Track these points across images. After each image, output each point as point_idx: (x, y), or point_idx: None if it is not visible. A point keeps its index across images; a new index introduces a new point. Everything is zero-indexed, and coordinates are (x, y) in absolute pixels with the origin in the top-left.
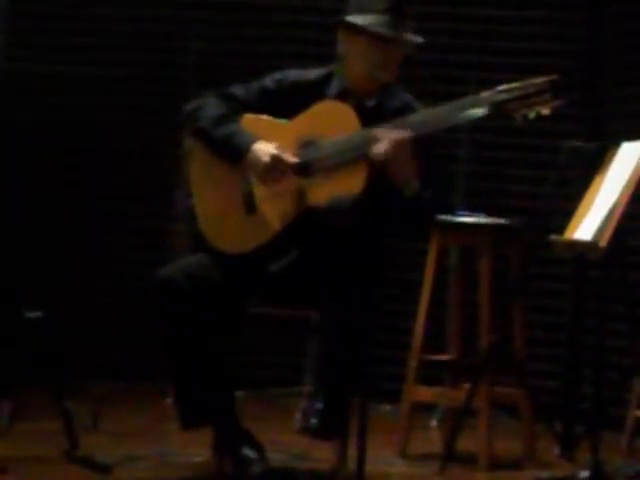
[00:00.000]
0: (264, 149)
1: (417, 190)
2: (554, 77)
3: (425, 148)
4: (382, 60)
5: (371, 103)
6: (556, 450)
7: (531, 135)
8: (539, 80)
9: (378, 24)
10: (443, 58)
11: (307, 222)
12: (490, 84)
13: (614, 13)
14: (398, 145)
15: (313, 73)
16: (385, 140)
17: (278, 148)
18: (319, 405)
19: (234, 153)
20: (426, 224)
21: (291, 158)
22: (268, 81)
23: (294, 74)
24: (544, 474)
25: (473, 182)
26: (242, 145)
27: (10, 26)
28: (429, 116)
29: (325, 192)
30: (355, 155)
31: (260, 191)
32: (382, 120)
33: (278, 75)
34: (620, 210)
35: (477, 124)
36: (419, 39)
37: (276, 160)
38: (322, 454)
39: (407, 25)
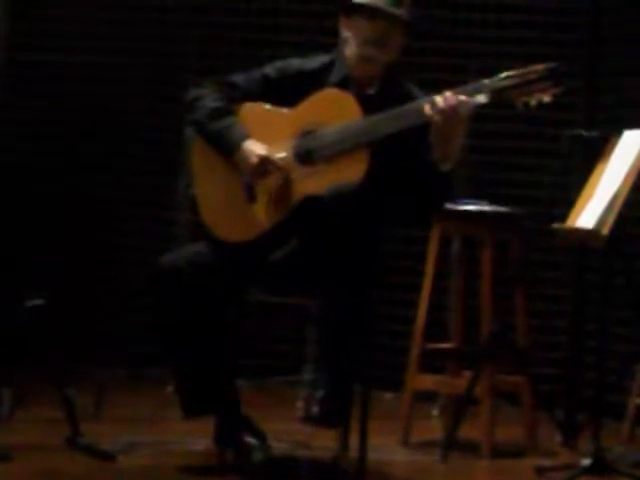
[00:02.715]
0: (253, 149)
1: (449, 170)
2: (555, 65)
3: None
4: (376, 37)
5: (372, 91)
6: (558, 438)
7: (533, 123)
8: (540, 67)
9: (374, 2)
10: (443, 46)
11: (308, 211)
12: (490, 72)
13: (614, 1)
14: (458, 104)
15: (315, 62)
16: (445, 97)
17: (267, 148)
18: (320, 393)
19: (225, 149)
20: (441, 207)
21: (280, 156)
22: (270, 69)
23: (296, 63)
24: (546, 462)
25: (475, 171)
26: (232, 143)
27: (11, 15)
28: None
29: (326, 180)
30: (361, 141)
31: (260, 182)
32: (383, 108)
33: (280, 63)
34: (622, 198)
35: (478, 112)
36: (413, 18)
37: (263, 161)
38: (324, 442)
39: (404, 6)
